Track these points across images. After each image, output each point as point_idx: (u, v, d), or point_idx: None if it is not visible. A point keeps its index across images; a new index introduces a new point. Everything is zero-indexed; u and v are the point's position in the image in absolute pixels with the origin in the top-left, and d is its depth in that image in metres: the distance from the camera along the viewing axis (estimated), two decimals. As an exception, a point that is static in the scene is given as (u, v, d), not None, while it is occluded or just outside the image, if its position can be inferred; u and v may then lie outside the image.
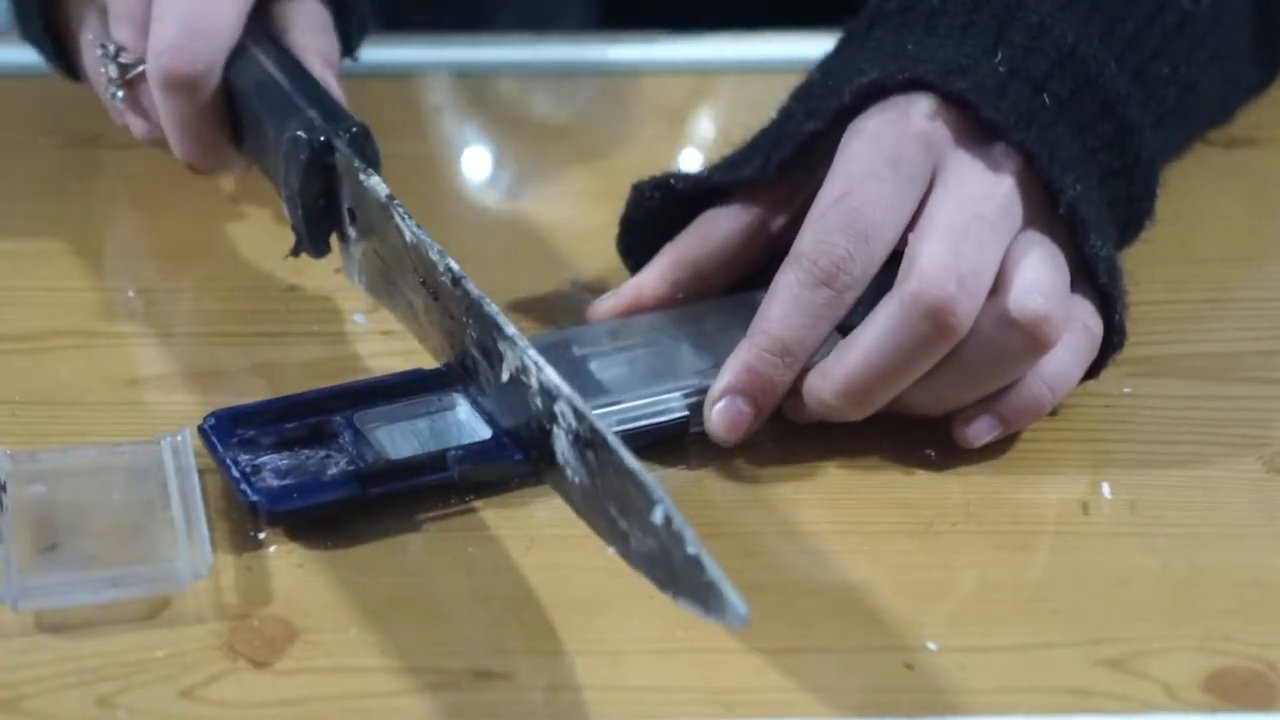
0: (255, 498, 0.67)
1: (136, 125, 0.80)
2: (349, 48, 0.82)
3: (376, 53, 0.85)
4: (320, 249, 0.75)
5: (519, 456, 0.68)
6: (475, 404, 0.70)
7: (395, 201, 0.71)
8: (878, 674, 0.64)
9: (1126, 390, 0.75)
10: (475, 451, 0.69)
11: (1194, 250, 0.82)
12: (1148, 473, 0.71)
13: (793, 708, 0.63)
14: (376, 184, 0.71)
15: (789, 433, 0.72)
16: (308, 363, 0.76)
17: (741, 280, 0.76)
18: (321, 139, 0.73)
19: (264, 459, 0.69)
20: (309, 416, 0.70)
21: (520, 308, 0.78)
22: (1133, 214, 0.75)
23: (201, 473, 0.69)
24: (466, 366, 0.70)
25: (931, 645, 0.65)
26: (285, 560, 0.67)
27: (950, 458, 0.72)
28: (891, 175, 0.70)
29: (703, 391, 0.71)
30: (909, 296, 0.68)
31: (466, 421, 0.70)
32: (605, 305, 0.75)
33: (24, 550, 0.66)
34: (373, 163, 0.73)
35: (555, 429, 0.65)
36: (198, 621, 0.65)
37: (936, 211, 0.70)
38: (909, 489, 0.71)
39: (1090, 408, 0.74)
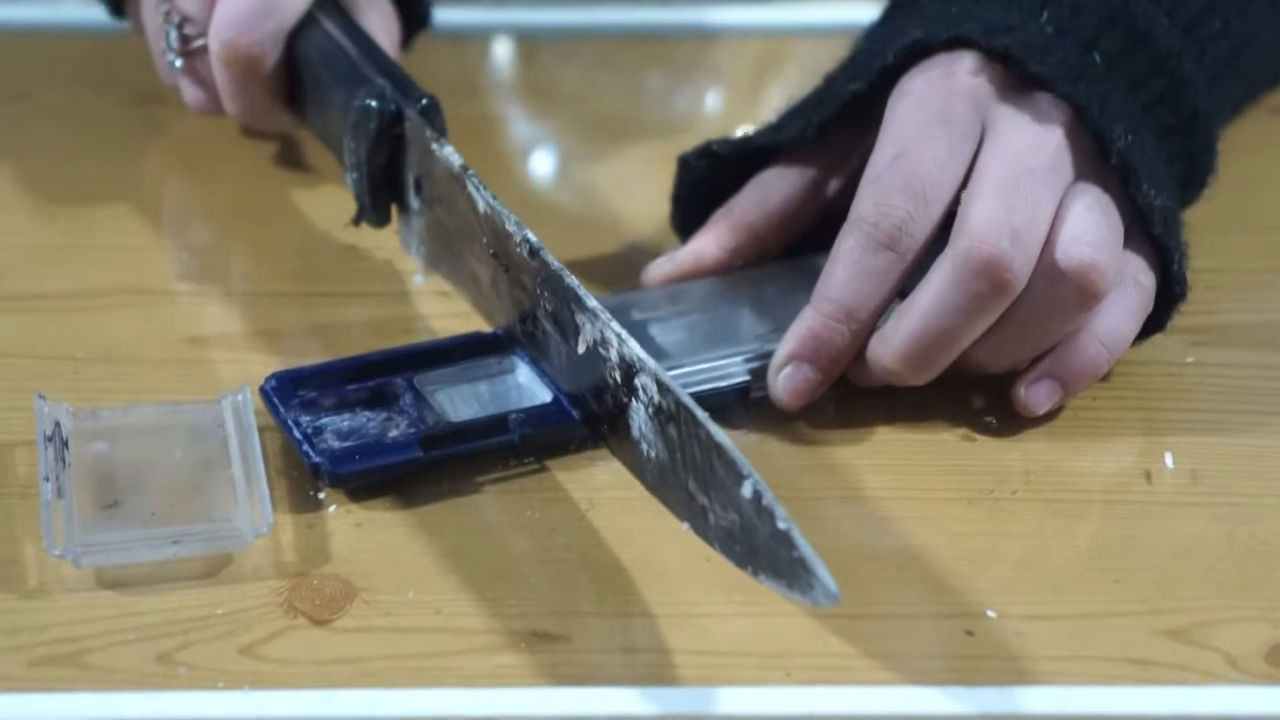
0: (318, 460, 0.67)
1: (191, 94, 0.81)
2: (405, 40, 0.82)
3: (436, 13, 0.85)
4: (382, 218, 0.76)
5: (579, 419, 0.68)
6: (535, 367, 0.70)
7: (469, 171, 0.71)
8: (937, 640, 0.64)
9: (1190, 359, 0.74)
10: (536, 414, 0.69)
11: (1260, 218, 0.82)
12: (1211, 442, 0.71)
13: (851, 673, 0.63)
14: (450, 153, 0.72)
15: (850, 397, 0.72)
16: (366, 323, 0.76)
17: (796, 243, 0.75)
18: (392, 108, 0.73)
19: (325, 420, 0.69)
20: (370, 379, 0.70)
21: (577, 270, 0.77)
22: (1193, 170, 0.75)
23: (261, 431, 0.69)
24: (534, 338, 0.70)
25: (991, 612, 0.65)
26: (344, 519, 0.67)
27: (1011, 425, 0.71)
28: (943, 133, 0.70)
29: (763, 356, 0.71)
30: (962, 255, 0.68)
31: (526, 384, 0.70)
32: (661, 270, 0.75)
33: (85, 507, 0.66)
34: (442, 133, 0.73)
35: (634, 402, 0.65)
36: (257, 579, 0.65)
37: (986, 168, 0.69)
38: (970, 456, 0.71)
39: (1153, 376, 0.73)
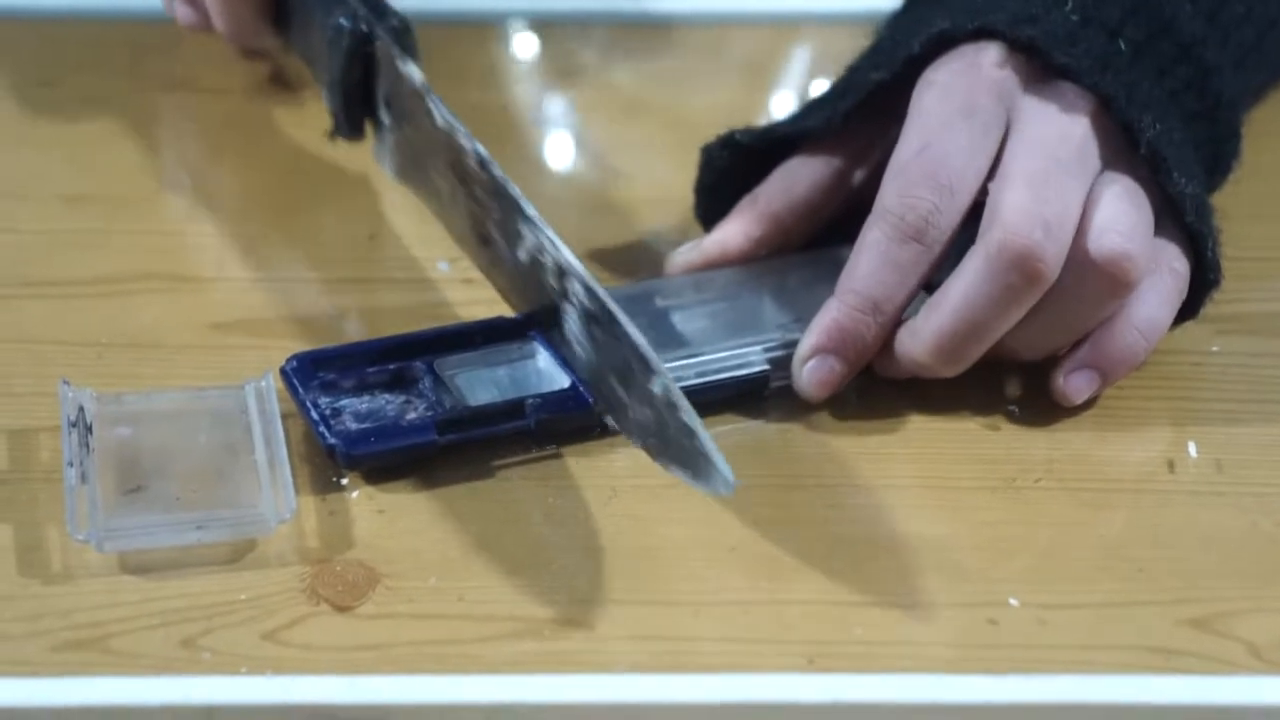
0: (333, 441, 0.68)
1: (181, 11, 0.84)
2: None
3: (454, 2, 0.85)
4: (355, 133, 0.79)
5: (590, 401, 0.69)
6: (555, 353, 0.70)
7: (429, 89, 0.73)
8: (960, 629, 0.64)
9: (1215, 348, 0.74)
10: (553, 400, 0.69)
11: (1285, 207, 0.82)
12: (1235, 431, 0.71)
13: (874, 661, 0.63)
14: (413, 71, 0.74)
15: (872, 386, 0.72)
16: (390, 309, 0.76)
17: (820, 233, 0.75)
18: (364, 28, 0.76)
19: (344, 402, 0.69)
20: (390, 362, 0.70)
21: (598, 258, 0.78)
22: (1219, 156, 0.74)
23: (285, 417, 0.69)
24: (488, 247, 0.72)
25: (1014, 601, 0.65)
26: (367, 506, 0.67)
27: (1034, 414, 0.71)
28: (967, 125, 0.70)
29: (785, 346, 0.71)
30: (995, 246, 0.68)
31: (546, 370, 0.70)
32: (685, 257, 0.75)
33: (109, 492, 0.66)
34: (411, 55, 0.75)
35: (567, 306, 0.67)
36: (280, 565, 0.65)
37: (1014, 159, 0.69)
38: (992, 445, 0.70)
39: (1178, 365, 0.73)
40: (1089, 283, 0.69)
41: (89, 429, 0.68)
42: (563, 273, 0.68)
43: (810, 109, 0.75)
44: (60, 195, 0.81)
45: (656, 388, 0.64)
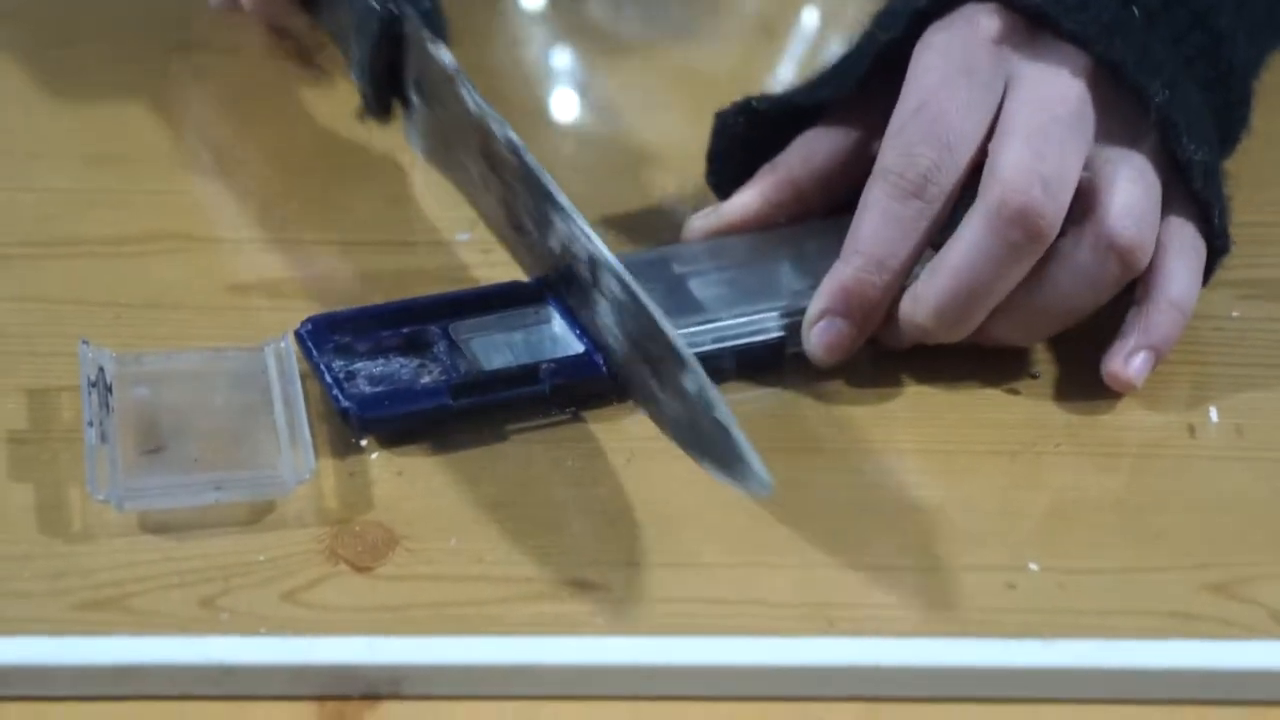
0: (346, 404, 0.68)
1: None
2: None
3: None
4: (384, 114, 0.78)
5: (605, 368, 0.69)
6: (570, 317, 0.70)
7: (461, 73, 0.72)
8: (979, 593, 0.64)
9: (1235, 314, 0.74)
10: (568, 365, 0.69)
11: (1305, 171, 0.81)
12: (1256, 396, 0.71)
13: (893, 624, 0.63)
14: (444, 55, 0.73)
15: (888, 353, 0.71)
16: (408, 272, 0.76)
17: (840, 201, 0.75)
18: (393, 9, 0.75)
19: (358, 365, 0.69)
20: (405, 325, 0.70)
21: (615, 223, 0.78)
22: (1230, 123, 0.74)
23: (304, 378, 0.69)
24: (521, 232, 0.71)
25: (1033, 566, 0.65)
26: (386, 467, 0.67)
27: (1054, 380, 0.71)
28: (966, 82, 0.70)
29: (801, 312, 0.71)
30: (994, 204, 0.68)
31: (561, 335, 0.70)
32: (704, 222, 0.75)
33: (128, 452, 0.66)
34: (441, 37, 0.75)
35: (600, 297, 0.67)
36: (299, 526, 0.65)
37: (1012, 117, 0.69)
38: (1011, 410, 0.70)
39: (1199, 330, 0.73)
40: (1102, 265, 0.69)
41: (109, 389, 0.68)
42: (595, 263, 0.67)
43: (826, 77, 0.75)
44: (79, 155, 0.81)
45: (690, 384, 0.64)
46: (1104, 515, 0.67)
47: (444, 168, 0.75)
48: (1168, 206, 0.70)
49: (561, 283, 0.70)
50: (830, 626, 0.63)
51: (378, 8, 0.75)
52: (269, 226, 0.78)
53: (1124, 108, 0.70)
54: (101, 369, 0.68)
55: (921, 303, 0.69)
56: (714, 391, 0.63)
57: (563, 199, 0.68)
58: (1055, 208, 0.68)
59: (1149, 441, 0.69)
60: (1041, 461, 0.69)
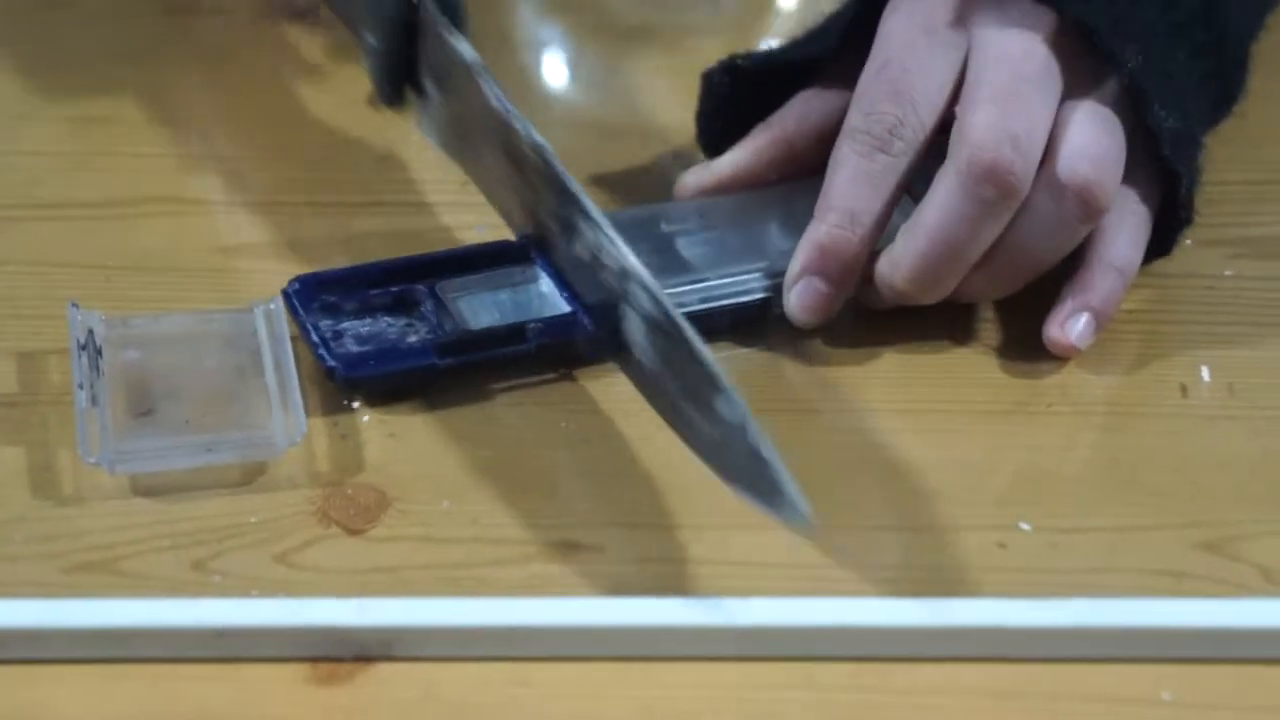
0: (332, 363, 0.67)
1: None
2: None
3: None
4: (396, 102, 0.76)
5: (595, 331, 0.68)
6: (557, 277, 0.70)
7: (482, 66, 0.71)
8: (970, 552, 0.64)
9: (1228, 272, 0.74)
10: (554, 324, 0.69)
11: (1299, 131, 0.81)
12: (1248, 355, 0.71)
13: (884, 585, 0.63)
14: (465, 48, 0.71)
15: (876, 314, 0.71)
16: (398, 232, 0.75)
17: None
18: None
19: (345, 325, 0.69)
20: (392, 284, 0.70)
21: (604, 180, 0.78)
22: (1226, 88, 0.74)
23: (294, 340, 0.69)
24: (543, 233, 0.70)
25: (1025, 525, 0.65)
26: (378, 429, 0.67)
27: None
28: (927, 42, 0.70)
29: (785, 272, 0.71)
30: (964, 164, 0.68)
31: (549, 294, 0.70)
32: (696, 179, 0.75)
33: (119, 414, 0.66)
34: (458, 24, 0.73)
35: (629, 310, 0.65)
36: (291, 488, 0.65)
37: (978, 77, 0.69)
38: (1003, 369, 0.70)
39: (1191, 289, 0.73)
40: (1060, 207, 0.68)
41: (99, 352, 0.68)
42: (625, 275, 0.66)
43: (813, 35, 0.75)
44: (68, 117, 0.80)
45: (725, 410, 0.62)
46: (1096, 474, 0.67)
47: (458, 157, 0.74)
48: (1127, 172, 0.70)
49: (542, 236, 0.69)
50: (819, 587, 0.63)
51: None
52: (257, 188, 0.78)
53: (1095, 69, 0.70)
54: (91, 331, 0.68)
55: (898, 266, 0.69)
56: (753, 420, 0.61)
57: (591, 206, 0.67)
58: (1025, 164, 0.68)
59: (1141, 400, 0.69)
60: (1033, 421, 0.69)
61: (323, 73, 0.83)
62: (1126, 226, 0.70)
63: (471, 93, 0.71)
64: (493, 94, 0.70)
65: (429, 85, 0.74)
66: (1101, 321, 0.70)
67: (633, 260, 0.65)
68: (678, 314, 0.64)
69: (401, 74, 0.75)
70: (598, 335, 0.68)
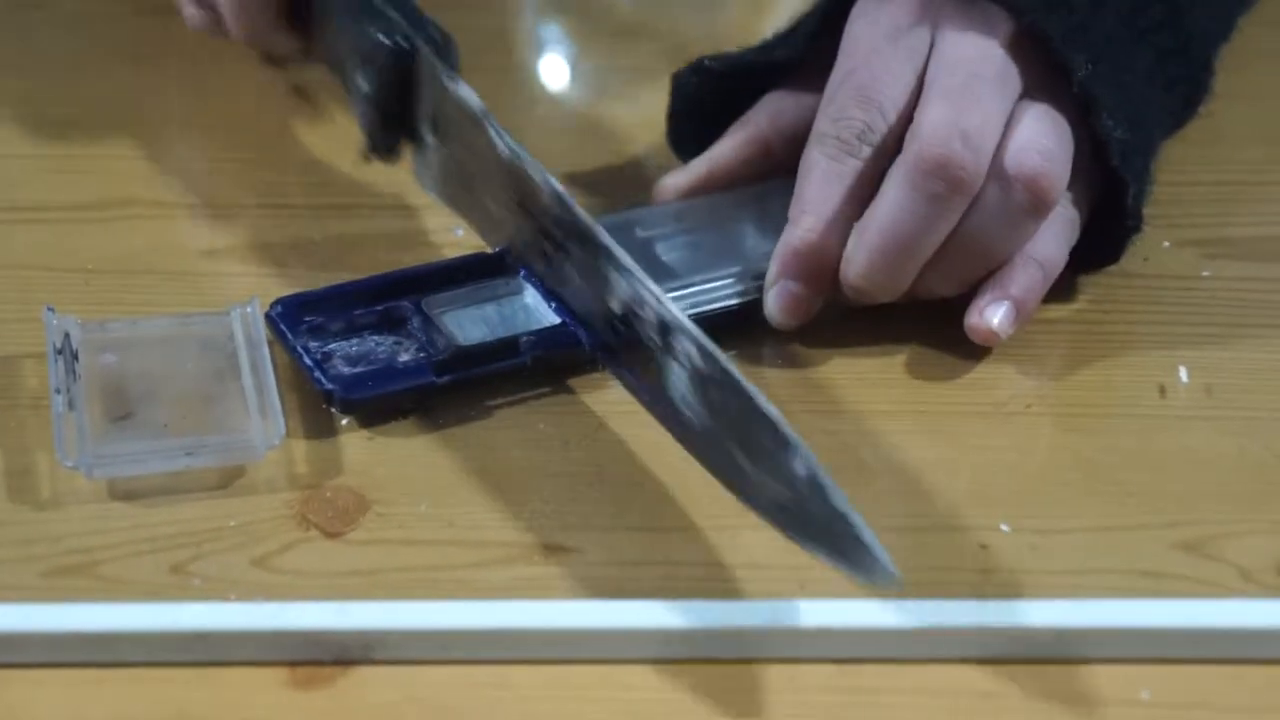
0: (330, 386, 0.67)
1: (189, 12, 0.81)
2: None
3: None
4: (391, 154, 0.74)
5: (589, 342, 0.68)
6: (542, 288, 0.70)
7: (489, 115, 0.70)
8: (951, 554, 0.64)
9: (1205, 273, 0.74)
10: (547, 336, 0.69)
11: (1275, 131, 0.81)
12: (1225, 356, 0.71)
13: (865, 587, 0.63)
14: (468, 95, 0.70)
15: (856, 314, 0.71)
16: (378, 236, 0.75)
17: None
18: (405, 44, 0.71)
19: (333, 345, 0.69)
20: (377, 302, 0.70)
21: (581, 181, 0.78)
22: (1192, 91, 0.75)
23: (271, 344, 0.69)
24: (560, 282, 0.69)
25: (1005, 526, 0.65)
26: (357, 433, 0.67)
27: (1023, 339, 0.71)
28: (890, 48, 0.71)
29: (765, 275, 0.71)
30: (913, 159, 0.68)
31: (535, 306, 0.70)
32: (674, 181, 0.75)
33: (97, 419, 0.66)
34: (453, 67, 0.72)
35: (672, 364, 0.64)
36: (270, 491, 0.65)
37: (935, 78, 0.70)
38: (982, 370, 0.70)
39: (1168, 290, 0.73)
40: (1009, 200, 0.69)
41: (75, 356, 0.67)
42: (667, 329, 0.64)
43: (780, 38, 0.76)
44: (47, 119, 0.80)
45: (799, 468, 0.60)
46: (1075, 475, 0.67)
47: (459, 206, 0.73)
48: (1075, 171, 0.70)
49: (527, 248, 0.68)
50: (801, 589, 0.63)
51: (387, 42, 0.71)
52: (237, 191, 0.78)
53: (1051, 75, 0.71)
54: (68, 335, 0.68)
55: (853, 264, 0.70)
56: (826, 475, 0.60)
57: (624, 257, 0.66)
58: (975, 159, 0.68)
59: (1119, 401, 0.70)
60: (1013, 422, 0.69)
61: (301, 76, 0.83)
62: (1054, 225, 0.71)
63: (477, 141, 0.70)
64: (501, 142, 0.69)
65: (426, 134, 0.73)
66: (1021, 311, 0.70)
67: (677, 313, 0.64)
68: (732, 366, 0.63)
69: (397, 124, 0.73)
70: (590, 345, 0.68)
